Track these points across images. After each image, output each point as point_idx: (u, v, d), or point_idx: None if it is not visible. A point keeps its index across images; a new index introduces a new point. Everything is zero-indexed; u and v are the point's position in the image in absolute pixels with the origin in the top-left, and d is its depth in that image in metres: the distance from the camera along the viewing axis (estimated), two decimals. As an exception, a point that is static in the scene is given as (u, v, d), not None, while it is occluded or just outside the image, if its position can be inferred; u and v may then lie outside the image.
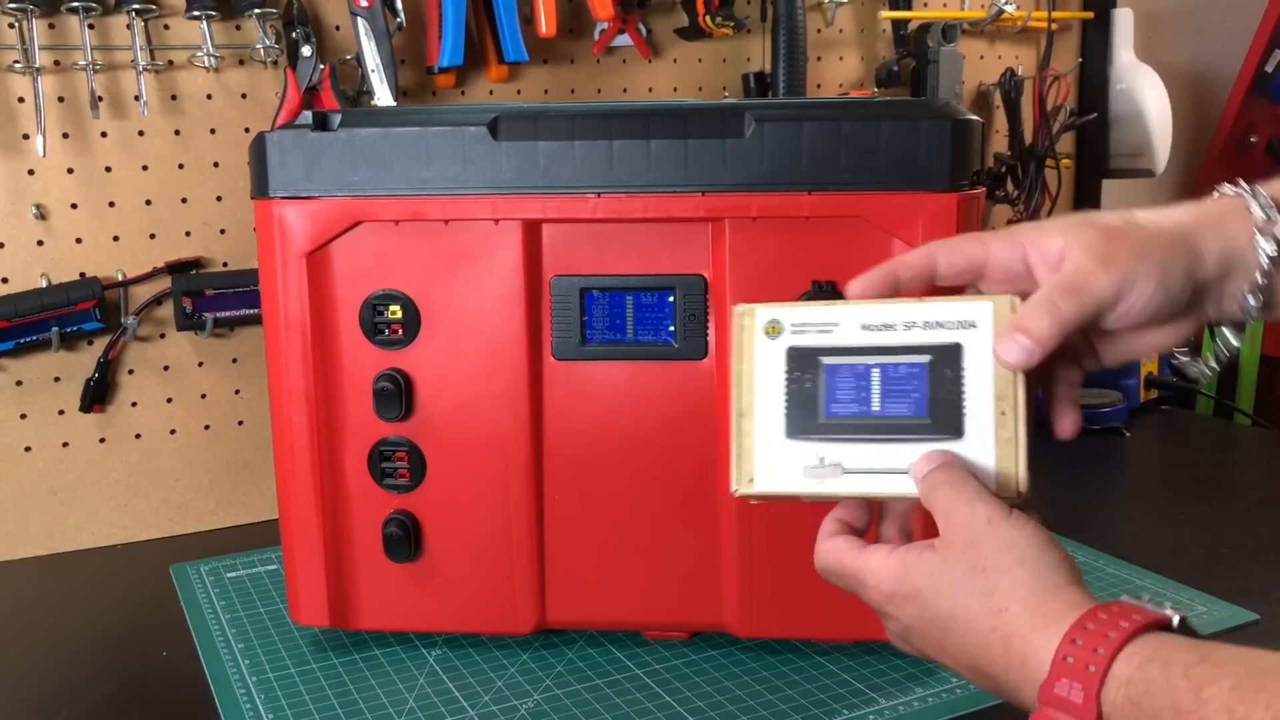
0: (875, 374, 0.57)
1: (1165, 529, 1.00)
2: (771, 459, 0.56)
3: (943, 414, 0.55)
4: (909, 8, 1.32)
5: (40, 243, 0.97)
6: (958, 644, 0.51)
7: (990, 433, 0.54)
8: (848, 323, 0.57)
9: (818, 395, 0.57)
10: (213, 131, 1.02)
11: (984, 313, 0.55)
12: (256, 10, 0.98)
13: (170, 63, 1.00)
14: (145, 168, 1.00)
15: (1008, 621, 0.49)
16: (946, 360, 0.55)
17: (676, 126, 0.71)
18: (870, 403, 0.56)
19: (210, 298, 1.02)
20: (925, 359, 0.56)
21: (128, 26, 0.96)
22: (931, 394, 0.56)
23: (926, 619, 0.52)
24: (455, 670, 0.77)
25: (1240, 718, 0.41)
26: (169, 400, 1.04)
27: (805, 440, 0.56)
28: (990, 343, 0.54)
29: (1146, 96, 1.44)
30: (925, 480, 0.54)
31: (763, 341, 0.58)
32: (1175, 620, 0.47)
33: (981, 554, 0.50)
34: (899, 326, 0.57)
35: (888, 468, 0.55)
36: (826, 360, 0.57)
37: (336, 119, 0.73)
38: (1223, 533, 0.92)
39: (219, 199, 1.03)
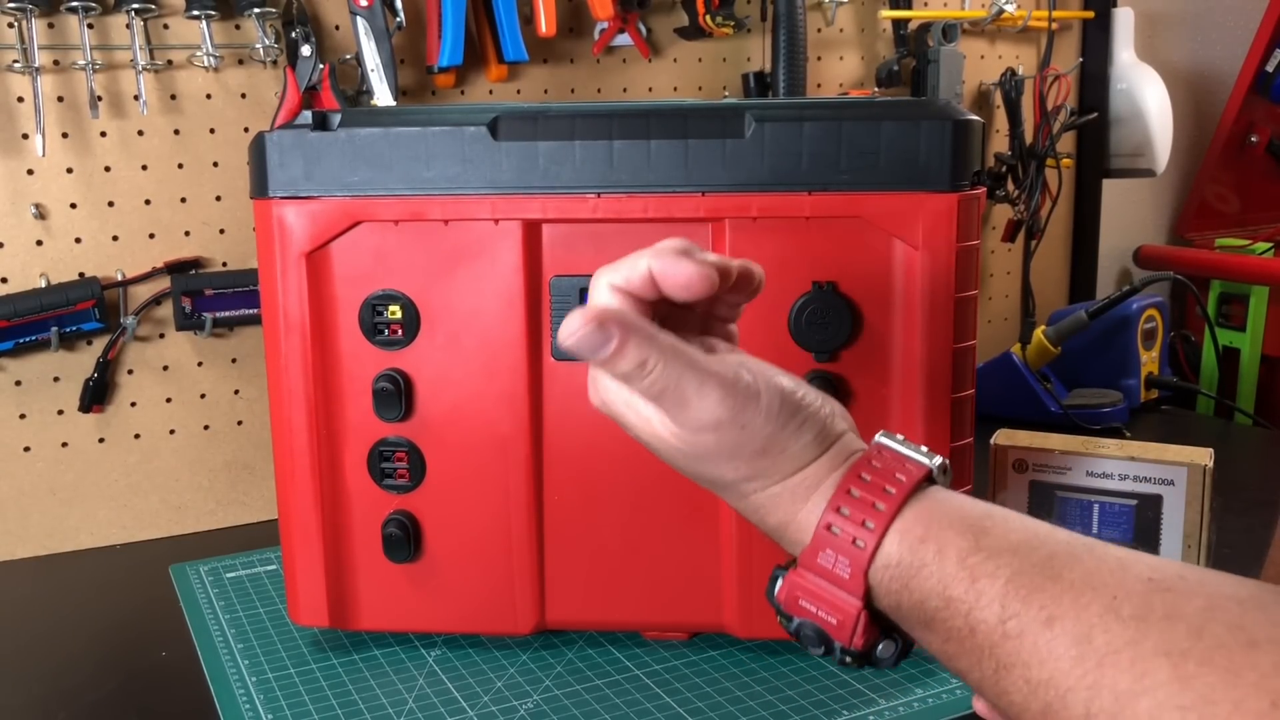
0: (1096, 508, 0.79)
1: (1166, 529, 1.00)
2: None
3: (1144, 540, 0.78)
4: (909, 7, 1.32)
5: (39, 242, 0.97)
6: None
7: (1178, 559, 0.74)
8: (1078, 468, 0.79)
9: (1052, 519, 0.74)
10: (212, 131, 1.02)
11: (1181, 474, 0.77)
12: (256, 10, 0.98)
13: (170, 62, 1.00)
14: (145, 167, 1.00)
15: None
16: (1150, 504, 0.78)
17: (676, 126, 0.70)
18: (1092, 527, 0.79)
19: (210, 298, 1.02)
20: (1133, 502, 0.78)
21: (127, 26, 0.96)
22: (1136, 526, 0.78)
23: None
24: (455, 670, 0.77)
25: (1012, 614, 0.39)
26: (168, 400, 1.04)
27: None
28: (1184, 497, 0.76)
29: (1147, 96, 1.44)
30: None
31: (1012, 474, 0.81)
32: (936, 466, 0.46)
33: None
34: (1116, 476, 0.78)
35: None
36: (1060, 495, 0.80)
37: (336, 119, 0.73)
38: (1223, 532, 0.91)
39: (218, 199, 1.03)
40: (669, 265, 0.47)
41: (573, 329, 0.45)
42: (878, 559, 0.44)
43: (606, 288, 0.48)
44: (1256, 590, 0.37)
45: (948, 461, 0.48)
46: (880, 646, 0.45)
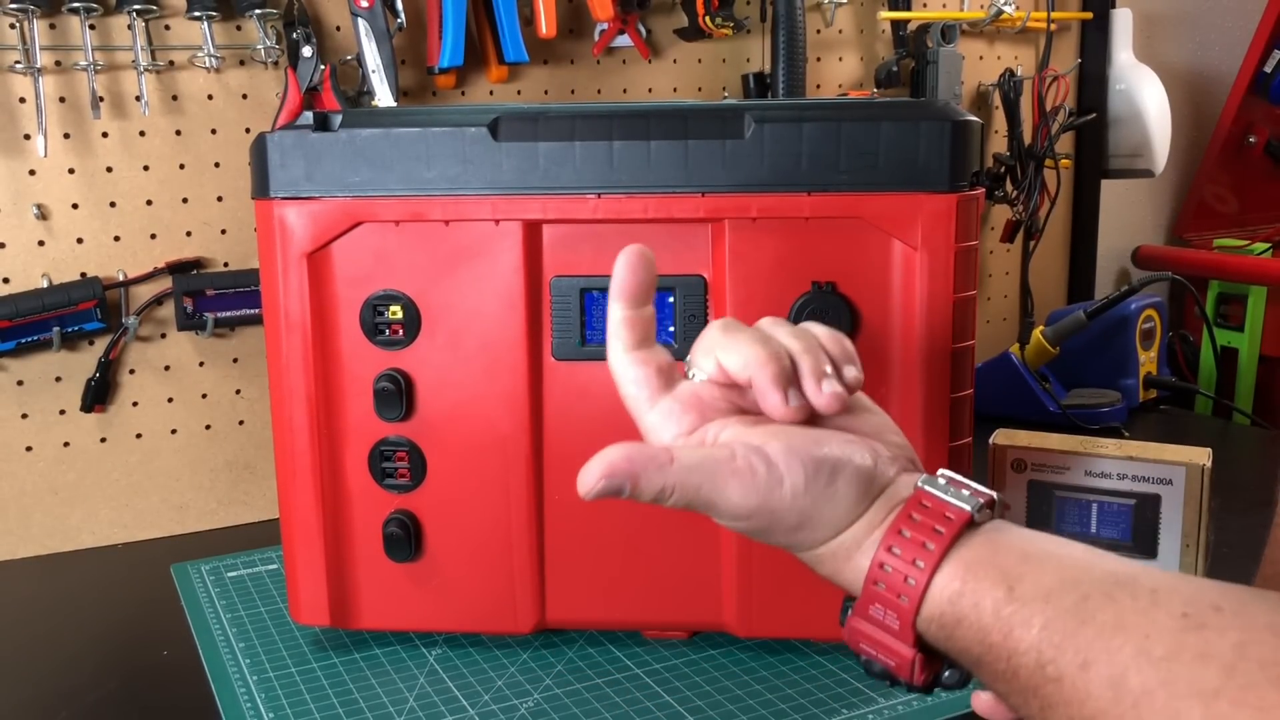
0: (1094, 508, 0.80)
1: (1164, 529, 1.00)
2: None
3: (1142, 540, 0.78)
4: (908, 8, 1.32)
5: (41, 243, 0.98)
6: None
7: (1176, 559, 0.77)
8: (1076, 468, 0.79)
9: (1050, 518, 0.80)
10: (213, 132, 1.02)
11: (1179, 474, 0.77)
12: (257, 11, 0.98)
13: (171, 63, 1.00)
14: (146, 168, 1.00)
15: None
16: (1148, 504, 0.78)
17: (676, 127, 0.71)
18: (1090, 527, 0.80)
19: (211, 298, 1.02)
20: (1132, 502, 0.78)
21: (128, 27, 0.96)
22: (1135, 525, 0.79)
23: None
24: (455, 670, 0.77)
25: (1049, 660, 0.41)
26: (170, 400, 1.04)
27: None
28: (1183, 497, 0.76)
29: (1146, 97, 1.44)
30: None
31: (1010, 474, 0.81)
32: (977, 508, 0.47)
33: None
34: (1114, 476, 0.78)
35: None
36: (1059, 494, 0.80)
37: (337, 119, 0.73)
38: (1222, 532, 0.92)
39: (220, 199, 1.03)
40: (768, 403, 0.51)
41: (589, 484, 0.49)
42: (922, 612, 0.46)
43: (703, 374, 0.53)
44: None
45: (998, 496, 0.48)
46: (946, 675, 0.48)
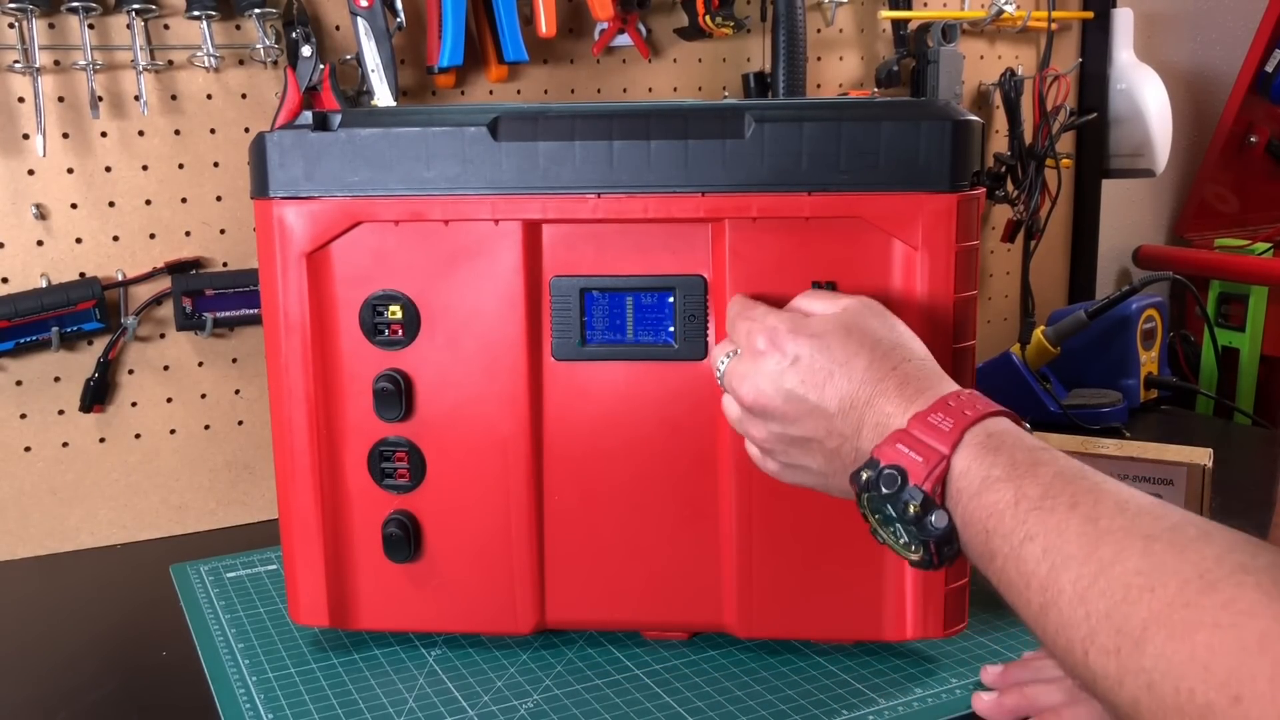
0: None
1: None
2: None
3: None
4: (909, 8, 1.32)
5: (40, 243, 0.98)
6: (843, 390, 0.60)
7: None
8: None
9: None
10: (213, 131, 1.02)
11: (1180, 474, 0.77)
12: (256, 10, 0.98)
13: (170, 63, 1.00)
14: (145, 168, 1.00)
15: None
16: None
17: (676, 127, 0.71)
18: None
19: (210, 298, 1.02)
20: None
21: (128, 26, 0.96)
22: None
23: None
24: (455, 670, 0.77)
25: (1051, 495, 0.50)
26: (169, 400, 1.04)
27: None
28: (1183, 497, 0.77)
29: (1146, 96, 1.44)
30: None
31: None
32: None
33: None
34: (1115, 476, 0.76)
35: None
36: None
37: (336, 119, 0.73)
38: (1222, 533, 0.92)
39: (219, 199, 1.03)
40: None
41: None
42: (966, 438, 0.55)
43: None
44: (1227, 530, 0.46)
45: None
46: (934, 515, 0.54)
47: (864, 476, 0.57)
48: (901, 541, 0.57)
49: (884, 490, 0.55)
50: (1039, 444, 0.54)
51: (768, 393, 0.62)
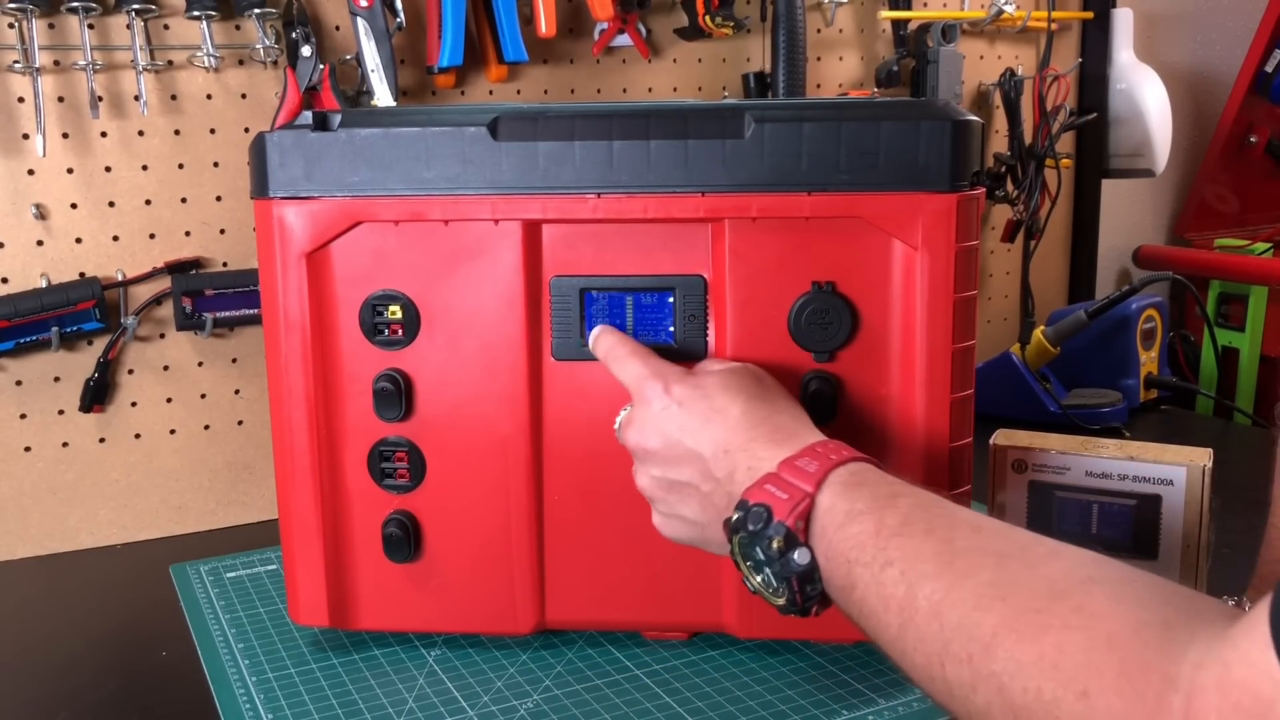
0: (1094, 508, 0.79)
1: (1165, 529, 1.00)
2: None
3: (1142, 540, 0.78)
4: (909, 8, 1.32)
5: (40, 243, 0.98)
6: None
7: (1176, 559, 0.77)
8: (1077, 468, 0.79)
9: (1051, 519, 0.80)
10: (212, 131, 1.02)
11: (1180, 474, 0.76)
12: (256, 10, 0.98)
13: (170, 63, 1.00)
14: (145, 168, 1.00)
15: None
16: (1149, 504, 0.77)
17: (676, 127, 0.71)
18: (1090, 527, 0.79)
19: (210, 298, 1.02)
20: (1132, 502, 0.78)
21: (127, 26, 0.96)
22: (1135, 526, 0.78)
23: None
24: (455, 670, 0.77)
25: (908, 522, 0.52)
26: (169, 400, 1.04)
27: None
28: (1183, 497, 0.76)
29: (1146, 96, 1.44)
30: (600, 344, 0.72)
31: (1011, 475, 0.81)
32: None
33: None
34: (1115, 476, 0.78)
35: None
36: (1059, 495, 0.80)
37: (336, 119, 0.73)
38: (1222, 532, 0.91)
39: (219, 199, 1.03)
40: None
41: None
42: (830, 478, 0.57)
43: None
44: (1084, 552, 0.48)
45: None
46: (797, 552, 0.55)
47: (734, 518, 0.59)
48: (770, 587, 0.58)
49: (750, 528, 0.57)
50: (899, 481, 0.56)
51: (650, 435, 0.65)
